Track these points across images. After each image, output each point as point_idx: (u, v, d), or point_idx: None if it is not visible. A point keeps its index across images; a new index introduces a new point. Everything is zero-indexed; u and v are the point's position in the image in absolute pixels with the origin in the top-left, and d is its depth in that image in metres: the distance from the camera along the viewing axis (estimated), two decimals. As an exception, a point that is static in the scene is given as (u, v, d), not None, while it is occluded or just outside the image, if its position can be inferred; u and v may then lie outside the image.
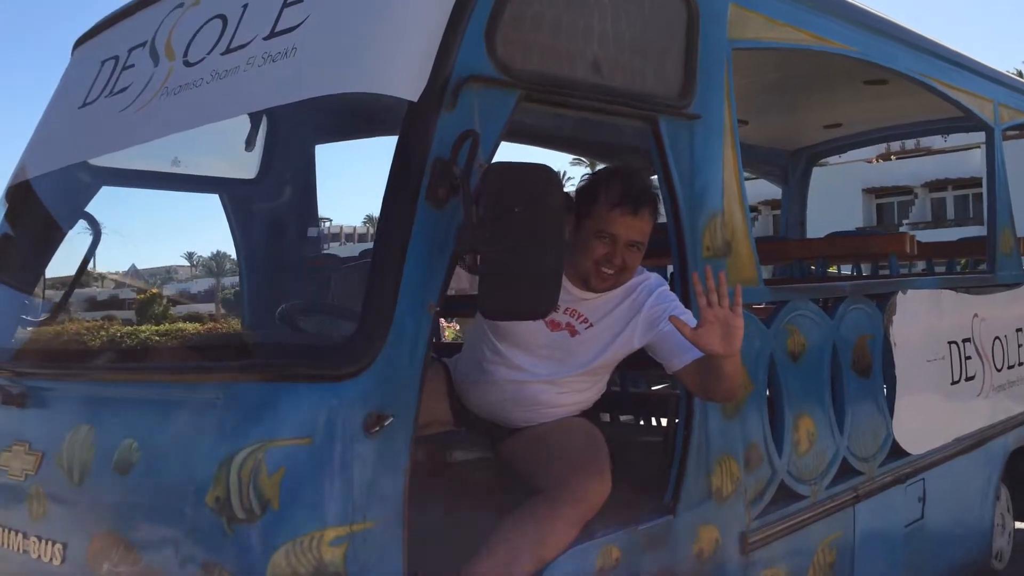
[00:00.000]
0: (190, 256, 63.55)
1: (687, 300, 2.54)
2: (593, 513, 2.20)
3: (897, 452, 3.56)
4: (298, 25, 2.21)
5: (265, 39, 2.29)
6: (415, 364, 1.87)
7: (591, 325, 2.39)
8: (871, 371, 3.42)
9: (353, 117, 3.91)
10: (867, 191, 28.53)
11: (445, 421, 2.54)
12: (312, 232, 3.33)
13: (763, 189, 6.59)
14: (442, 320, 4.40)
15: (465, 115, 2.01)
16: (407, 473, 1.85)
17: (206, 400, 1.86)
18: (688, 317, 2.21)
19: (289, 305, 2.31)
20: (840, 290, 3.38)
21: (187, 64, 2.53)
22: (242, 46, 2.35)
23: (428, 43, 2.00)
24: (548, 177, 1.89)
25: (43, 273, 3.12)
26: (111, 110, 2.75)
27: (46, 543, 2.16)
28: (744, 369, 2.63)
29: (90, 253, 3.23)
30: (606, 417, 3.32)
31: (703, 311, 2.11)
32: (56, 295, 3.18)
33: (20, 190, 3.03)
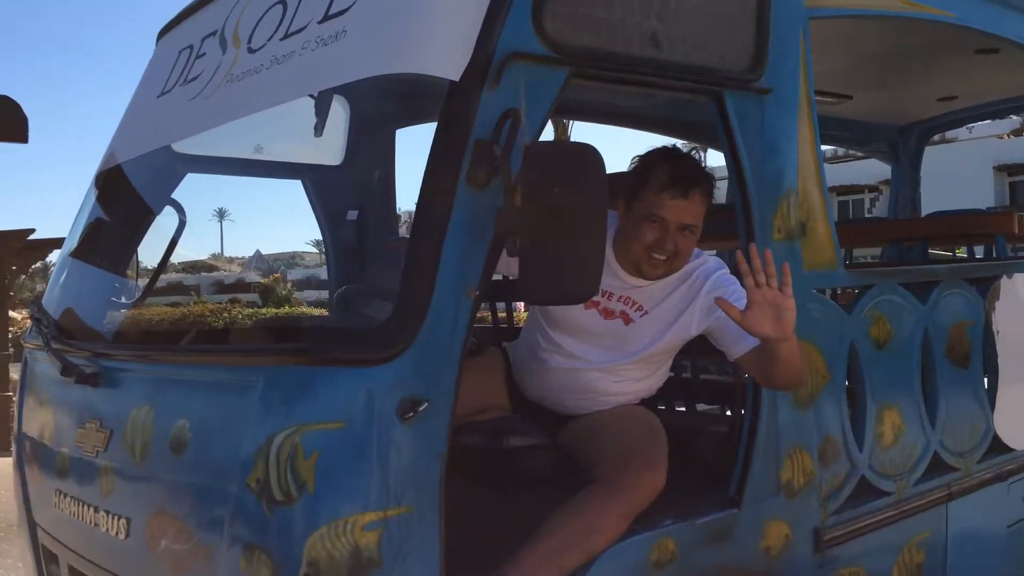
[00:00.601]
0: (317, 243, 65.42)
1: (754, 285, 2.43)
2: (644, 506, 2.13)
3: (998, 447, 3.33)
4: (349, 7, 2.19)
5: (319, 23, 2.29)
6: (453, 350, 1.83)
7: (646, 313, 2.31)
8: (969, 361, 3.20)
9: (432, 100, 3.94)
10: (999, 169, 26.58)
11: (502, 407, 2.51)
12: (351, 216, 3.34)
13: (886, 168, 6.19)
14: (519, 304, 4.36)
15: (509, 94, 1.95)
16: (444, 460, 1.81)
17: (249, 383, 1.87)
18: (741, 300, 2.11)
19: (347, 289, 2.31)
20: (934, 274, 3.16)
21: (250, 51, 2.56)
22: (299, 31, 2.36)
23: (471, 20, 1.95)
24: (588, 156, 1.81)
25: (130, 258, 3.23)
26: (183, 98, 2.82)
27: (113, 518, 2.23)
28: (815, 354, 2.51)
29: (175, 239, 3.32)
30: (679, 405, 3.21)
31: (750, 292, 2.01)
32: (142, 280, 3.29)
33: (107, 177, 3.14)
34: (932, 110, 5.55)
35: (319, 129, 3.30)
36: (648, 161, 2.27)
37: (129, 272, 2.97)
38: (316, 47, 2.26)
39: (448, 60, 1.94)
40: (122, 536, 2.19)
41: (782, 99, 2.55)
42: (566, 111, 4.12)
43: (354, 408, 1.76)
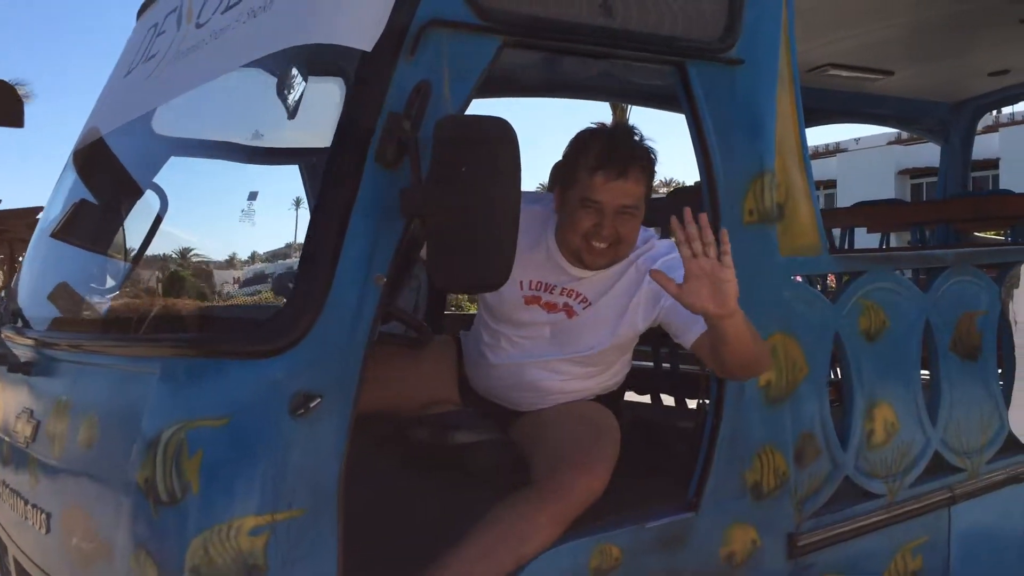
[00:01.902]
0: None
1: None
2: (579, 510, 1.98)
3: (1014, 446, 3.09)
4: (277, -24, 2.07)
5: None
6: (356, 341, 1.70)
7: (590, 304, 2.14)
8: (979, 353, 2.97)
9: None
10: (901, 172, 25.32)
11: (451, 400, 2.37)
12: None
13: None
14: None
15: (430, 65, 1.81)
16: (343, 459, 1.69)
17: (147, 374, 1.77)
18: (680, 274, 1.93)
19: (282, 274, 2.20)
20: (938, 259, 2.93)
21: (198, 26, 2.46)
22: (237, 3, 2.25)
23: None
24: (499, 131, 1.66)
25: (102, 243, 3.16)
26: (142, 76, 2.73)
27: (37, 511, 2.16)
28: (792, 346, 2.32)
29: (155, 226, 3.24)
30: (659, 396, 3.04)
31: (686, 263, 1.82)
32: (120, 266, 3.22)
33: (76, 159, 3.07)
34: (984, 86, 5.19)
35: (292, 112, 3.18)
36: (579, 141, 2.10)
37: (98, 258, 2.88)
38: (247, 19, 2.15)
39: (360, 29, 1.80)
40: (43, 531, 2.11)
41: (757, 71, 2.35)
42: (518, 85, 3.90)
43: (240, 403, 1.64)
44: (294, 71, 2.02)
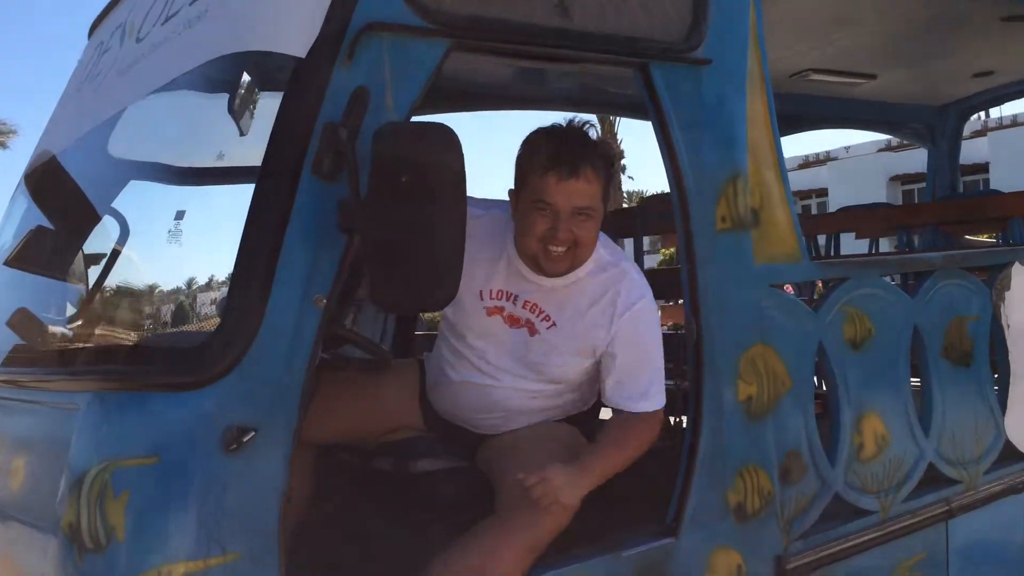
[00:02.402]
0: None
1: (692, 280, 2.14)
2: (545, 542, 1.86)
3: (1012, 455, 2.97)
4: (213, -16, 1.96)
5: (191, 4, 2.06)
6: (294, 369, 1.58)
7: (553, 324, 2.01)
8: (971, 359, 2.85)
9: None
10: (893, 178, 25.40)
11: (415, 426, 2.23)
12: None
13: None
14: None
15: (369, 71, 1.70)
16: (283, 497, 1.56)
17: (71, 410, 1.64)
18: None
19: (223, 299, 2.07)
20: (926, 263, 2.81)
21: (137, 40, 2.36)
22: (175, 14, 2.14)
23: None
24: (442, 139, 1.55)
25: (56, 270, 3.03)
26: (88, 95, 2.63)
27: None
28: (773, 359, 2.22)
29: (116, 251, 3.12)
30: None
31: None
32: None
33: (34, 180, 2.95)
34: (969, 87, 5.10)
35: (243, 130, 3.07)
36: (530, 143, 1.98)
37: (42, 286, 2.76)
38: (184, 29, 2.04)
39: (293, 34, 1.69)
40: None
41: (726, 72, 2.25)
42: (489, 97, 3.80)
43: (168, 440, 1.52)
44: (239, 83, 1.91)
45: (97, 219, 2.99)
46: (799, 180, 23.34)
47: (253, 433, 1.52)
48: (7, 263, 2.68)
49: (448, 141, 1.55)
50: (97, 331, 1.84)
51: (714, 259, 2.17)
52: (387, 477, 2.18)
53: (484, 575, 1.77)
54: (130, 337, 1.77)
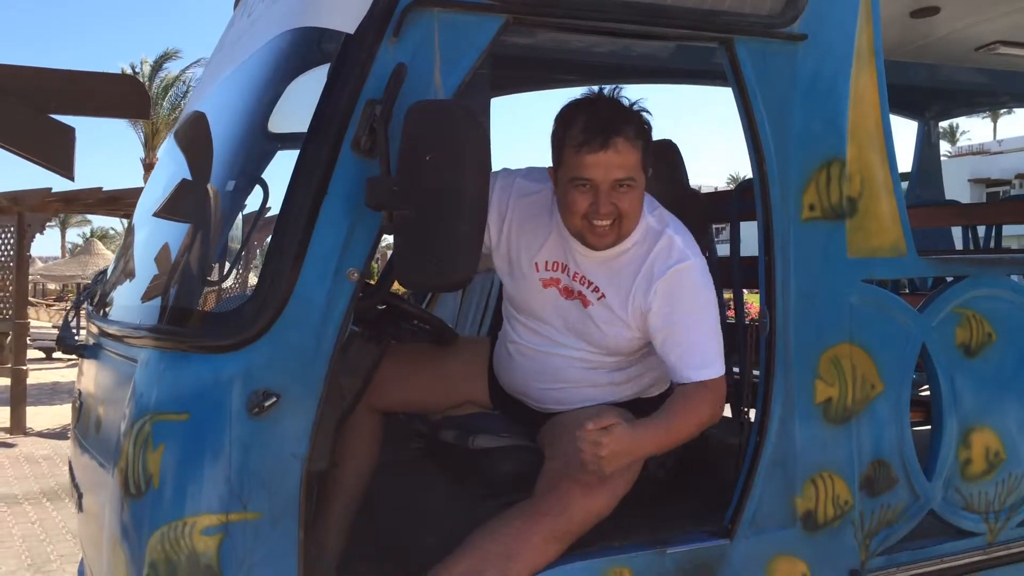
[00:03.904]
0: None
1: (769, 270, 2.02)
2: (578, 530, 1.82)
3: None
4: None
5: None
6: (323, 339, 1.62)
7: (603, 296, 1.95)
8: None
9: (526, 67, 3.68)
10: (975, 181, 22.25)
11: (481, 403, 2.24)
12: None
13: None
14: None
15: (416, 48, 1.70)
16: (304, 462, 1.61)
17: (132, 364, 1.77)
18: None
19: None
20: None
21: (248, 15, 2.48)
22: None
23: None
24: (462, 119, 1.53)
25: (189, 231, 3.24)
26: (211, 68, 2.78)
27: (77, 489, 2.23)
28: (863, 360, 2.07)
29: (257, 219, 3.29)
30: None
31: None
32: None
33: (173, 143, 3.16)
34: None
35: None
36: (562, 117, 1.90)
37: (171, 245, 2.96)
38: (269, 6, 2.13)
39: (344, 10, 1.72)
40: (77, 510, 2.18)
41: (825, 48, 2.09)
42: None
43: (198, 399, 1.60)
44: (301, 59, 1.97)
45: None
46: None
47: (275, 399, 1.58)
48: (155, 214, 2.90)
49: (470, 122, 1.53)
50: (165, 290, 1.95)
51: (796, 250, 2.04)
52: (449, 449, 2.20)
53: (510, 559, 1.77)
54: (193, 299, 1.86)
